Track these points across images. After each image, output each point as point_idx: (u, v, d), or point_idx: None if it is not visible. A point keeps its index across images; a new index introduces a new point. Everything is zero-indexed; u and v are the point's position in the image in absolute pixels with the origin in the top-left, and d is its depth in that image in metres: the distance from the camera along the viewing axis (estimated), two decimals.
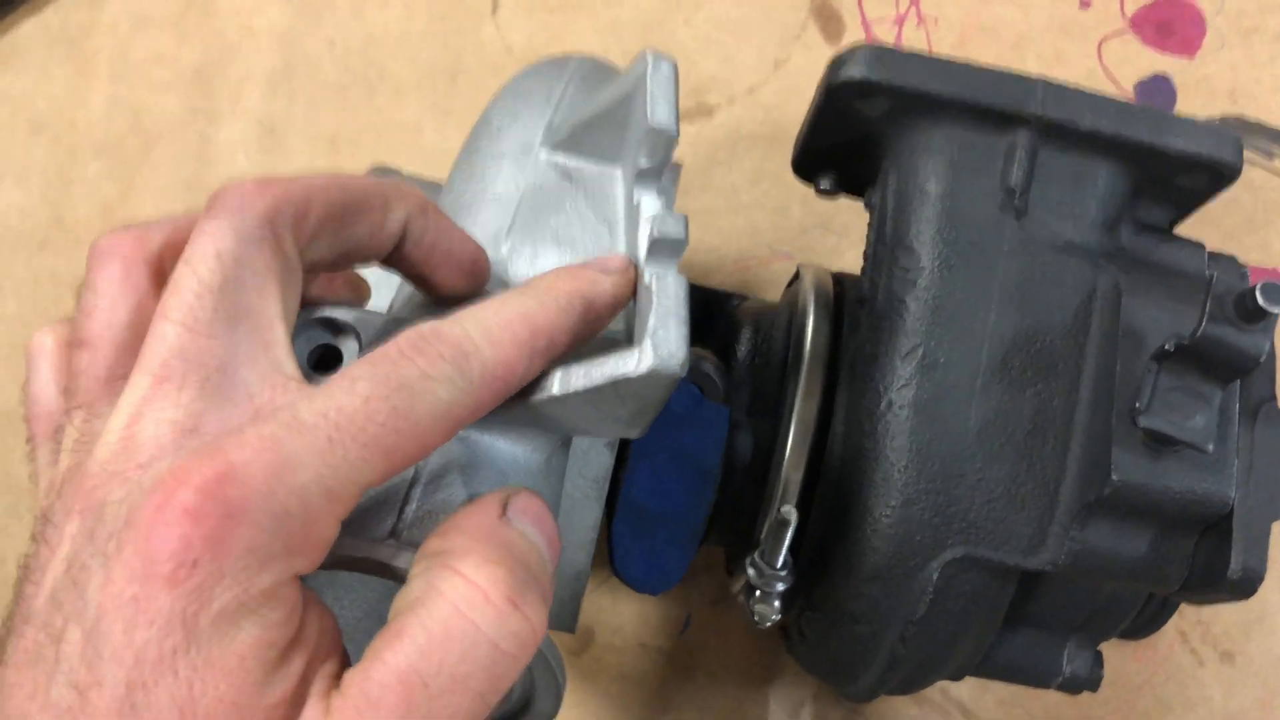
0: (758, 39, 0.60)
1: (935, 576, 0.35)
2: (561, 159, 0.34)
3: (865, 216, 0.59)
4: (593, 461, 0.34)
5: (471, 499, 0.28)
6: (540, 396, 0.27)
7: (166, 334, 0.25)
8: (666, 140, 0.29)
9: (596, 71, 0.38)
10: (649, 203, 0.30)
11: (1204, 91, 0.57)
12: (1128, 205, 0.37)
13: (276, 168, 0.61)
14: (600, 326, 0.29)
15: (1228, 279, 0.31)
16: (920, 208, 0.36)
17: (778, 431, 0.38)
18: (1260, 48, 0.57)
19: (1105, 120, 0.35)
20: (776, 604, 0.38)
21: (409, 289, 0.33)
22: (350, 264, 0.30)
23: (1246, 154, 0.59)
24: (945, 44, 0.59)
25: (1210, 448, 0.32)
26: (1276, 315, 0.30)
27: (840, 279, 0.42)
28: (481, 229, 0.32)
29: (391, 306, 0.34)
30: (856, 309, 0.38)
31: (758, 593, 0.38)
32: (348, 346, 0.31)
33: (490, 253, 0.32)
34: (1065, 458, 0.34)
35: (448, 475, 0.28)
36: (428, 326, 0.26)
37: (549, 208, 0.33)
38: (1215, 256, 0.38)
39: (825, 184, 0.41)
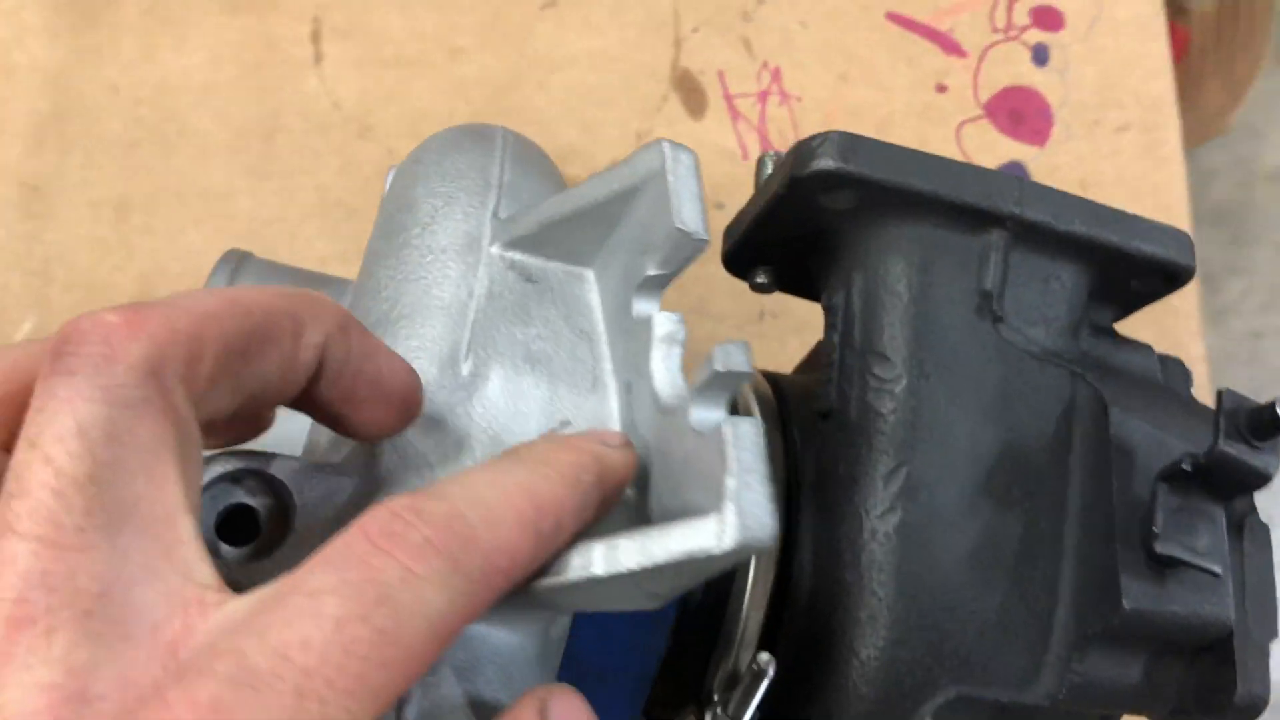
0: (618, 109, 0.57)
1: None
2: (520, 257, 0.29)
3: (741, 301, 0.57)
4: (558, 622, 0.29)
5: (477, 706, 0.22)
6: (570, 578, 0.22)
7: (16, 554, 0.18)
8: (693, 245, 0.25)
9: (526, 150, 0.33)
10: (663, 319, 0.26)
11: (1056, 180, 0.59)
12: (1086, 309, 0.36)
13: (44, 236, 0.51)
14: (605, 513, 0.24)
15: (1235, 395, 0.30)
16: (893, 311, 0.33)
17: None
18: (1103, 140, 0.60)
19: (1079, 222, 0.34)
20: None
21: None
22: (254, 412, 0.23)
23: None
24: (811, 123, 0.58)
25: (1220, 570, 0.30)
26: None
27: (775, 380, 0.39)
28: (432, 345, 0.27)
29: (313, 443, 0.28)
30: (814, 421, 0.35)
31: None
32: (260, 503, 0.25)
33: (445, 376, 0.26)
34: (1057, 582, 0.33)
35: (442, 684, 0.22)
36: (403, 503, 0.20)
37: (513, 317, 0.28)
38: (1163, 357, 0.37)
39: (761, 279, 0.38)
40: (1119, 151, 0.60)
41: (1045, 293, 0.34)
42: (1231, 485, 0.31)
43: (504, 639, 0.24)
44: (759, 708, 0.34)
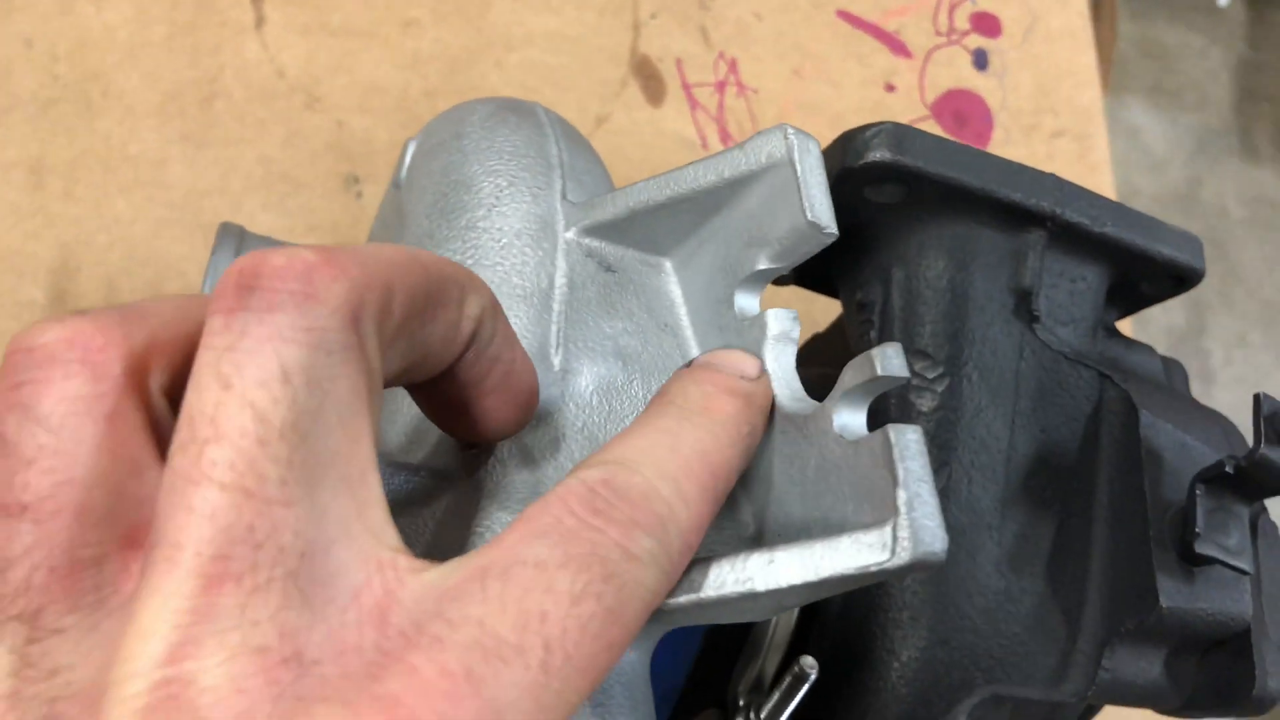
0: (577, 93, 0.55)
1: None
2: (598, 244, 0.27)
3: None
4: None
5: None
6: (725, 592, 0.20)
7: (213, 504, 0.16)
8: (819, 239, 0.24)
9: (570, 129, 0.31)
10: (777, 317, 0.24)
11: None
12: (1102, 309, 0.36)
13: None
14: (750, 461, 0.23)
15: (1272, 400, 0.31)
16: (935, 308, 0.33)
17: None
18: (1039, 145, 0.62)
19: (1111, 224, 0.34)
20: None
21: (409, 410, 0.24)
22: (410, 380, 0.21)
23: None
24: (768, 116, 0.58)
25: (1250, 569, 0.31)
26: None
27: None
28: (520, 337, 0.24)
29: (384, 443, 0.25)
30: None
31: None
32: None
33: (538, 369, 0.24)
34: (1085, 582, 0.33)
35: (579, 715, 0.21)
36: (596, 476, 0.19)
37: (598, 310, 0.26)
38: (1164, 359, 0.38)
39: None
40: (1054, 157, 0.61)
41: (1073, 293, 0.35)
42: (1266, 488, 0.31)
43: (626, 657, 0.22)
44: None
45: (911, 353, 0.33)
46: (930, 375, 0.33)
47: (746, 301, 0.25)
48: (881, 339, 0.34)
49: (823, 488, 0.22)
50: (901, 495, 0.19)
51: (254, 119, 0.50)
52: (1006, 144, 0.61)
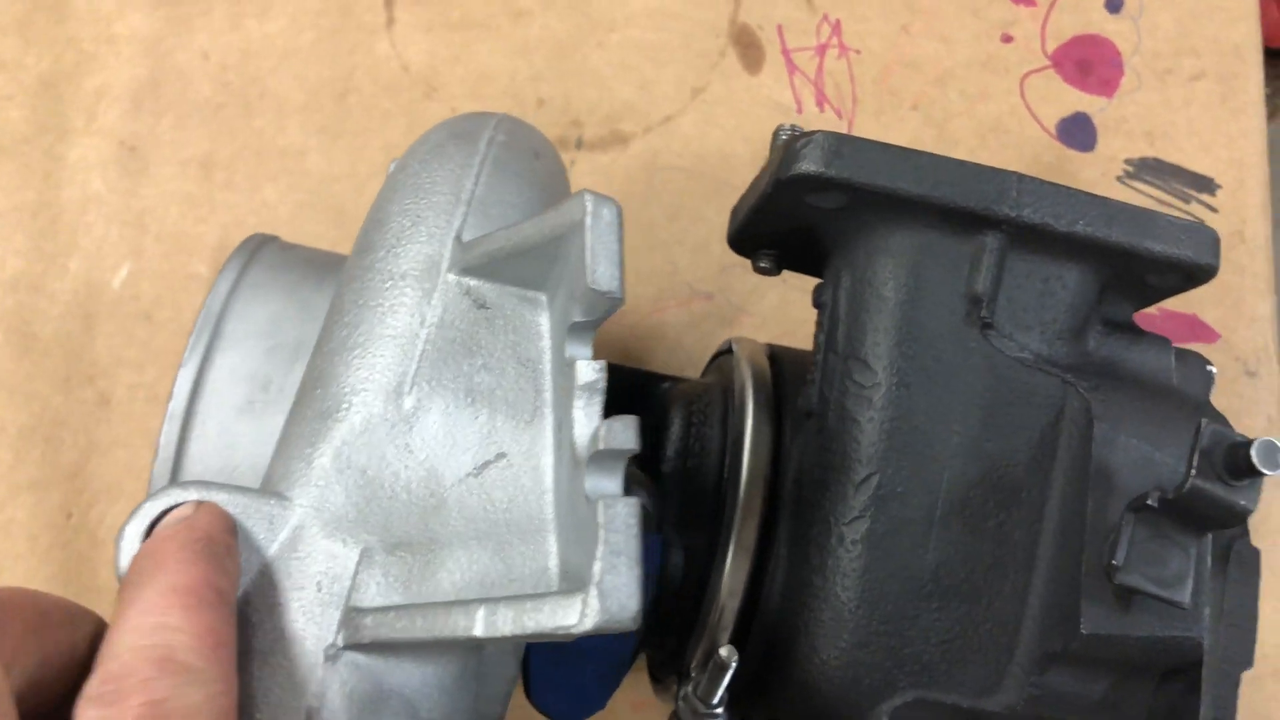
0: (675, 66, 0.54)
1: None
2: (475, 283, 0.27)
3: None
4: None
5: None
6: (452, 635, 0.21)
7: None
8: (609, 304, 0.23)
9: (511, 151, 0.31)
10: (584, 369, 0.24)
11: (1123, 132, 0.53)
12: (1095, 307, 0.32)
13: (140, 192, 0.52)
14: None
15: (1216, 428, 0.27)
16: (877, 316, 0.31)
17: (714, 551, 0.33)
18: (1175, 90, 0.54)
19: (1082, 222, 0.30)
20: None
21: None
22: (40, 700, 0.22)
23: (1162, 198, 0.56)
24: (868, 77, 0.54)
25: (1187, 602, 0.27)
26: (1267, 476, 0.26)
27: (776, 359, 0.36)
28: (379, 376, 0.26)
29: (269, 473, 0.27)
30: (802, 418, 0.33)
31: None
32: None
33: (388, 409, 0.25)
34: (1026, 596, 0.30)
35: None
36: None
37: (461, 349, 0.26)
38: (1182, 354, 0.33)
39: (764, 263, 0.35)
40: (1191, 101, 0.53)
41: (1044, 294, 0.31)
42: (1205, 520, 0.27)
43: (410, 670, 0.24)
44: (730, 689, 0.33)
45: (853, 360, 0.31)
46: (867, 384, 0.31)
47: (571, 349, 0.25)
48: (827, 344, 0.32)
49: (580, 535, 0.22)
50: (597, 567, 0.19)
51: (380, 111, 0.53)
52: (1136, 90, 0.54)
